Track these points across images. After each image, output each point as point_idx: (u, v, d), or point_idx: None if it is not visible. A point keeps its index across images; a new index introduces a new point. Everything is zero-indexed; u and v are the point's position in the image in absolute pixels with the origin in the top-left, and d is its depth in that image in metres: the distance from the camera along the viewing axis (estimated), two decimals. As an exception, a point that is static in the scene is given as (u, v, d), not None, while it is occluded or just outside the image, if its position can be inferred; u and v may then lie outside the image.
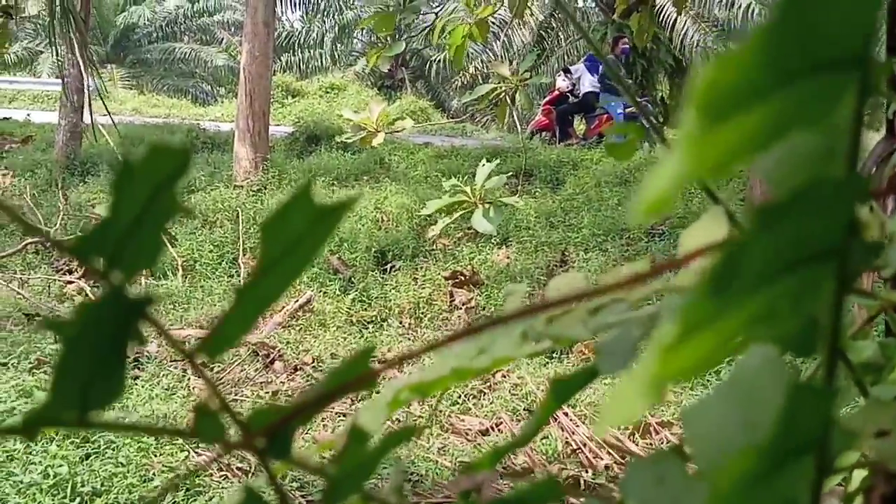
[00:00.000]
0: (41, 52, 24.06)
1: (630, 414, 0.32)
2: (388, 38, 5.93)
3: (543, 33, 19.94)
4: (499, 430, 4.25)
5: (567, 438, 4.07)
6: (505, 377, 4.82)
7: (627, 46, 13.06)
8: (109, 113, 8.50)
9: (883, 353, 0.59)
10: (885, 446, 0.53)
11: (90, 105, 9.42)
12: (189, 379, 4.61)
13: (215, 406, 0.48)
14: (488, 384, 4.71)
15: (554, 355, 5.39)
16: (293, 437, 0.51)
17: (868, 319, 0.83)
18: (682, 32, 17.63)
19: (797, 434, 0.35)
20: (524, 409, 4.47)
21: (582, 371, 0.58)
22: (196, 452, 3.75)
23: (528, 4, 7.39)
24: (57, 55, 9.97)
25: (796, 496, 0.37)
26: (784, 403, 0.34)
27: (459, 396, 4.56)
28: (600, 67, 12.77)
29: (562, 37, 20.06)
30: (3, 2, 7.96)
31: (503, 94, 7.96)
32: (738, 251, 0.30)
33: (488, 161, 5.88)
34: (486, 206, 5.07)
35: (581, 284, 0.63)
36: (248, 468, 3.58)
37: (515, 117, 11.54)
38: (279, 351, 5.06)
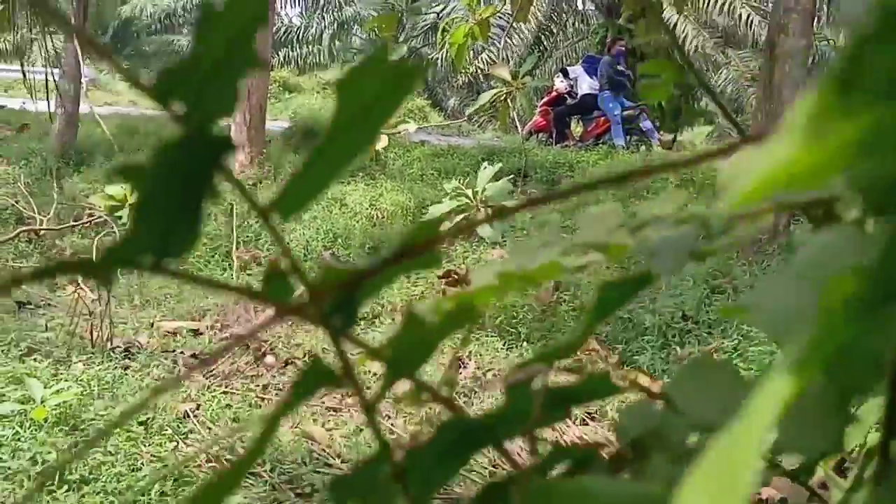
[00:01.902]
0: (37, 40, 24.01)
1: (785, 166, 0.28)
2: (389, 39, 5.93)
3: (542, 35, 19.97)
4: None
5: (558, 438, 4.06)
6: (497, 376, 4.82)
7: (623, 48, 13.07)
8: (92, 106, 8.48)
9: None
10: None
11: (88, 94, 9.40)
12: (179, 370, 4.59)
13: (286, 267, 0.47)
14: (479, 382, 4.70)
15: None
16: (358, 307, 0.50)
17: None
18: (682, 37, 17.66)
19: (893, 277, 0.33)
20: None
21: (633, 276, 0.56)
22: (185, 443, 3.74)
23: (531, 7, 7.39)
24: (53, 45, 9.95)
25: (883, 351, 0.36)
26: (881, 243, 0.32)
27: (451, 395, 4.54)
28: (598, 69, 12.78)
29: (560, 38, 20.09)
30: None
31: (504, 97, 7.98)
32: (860, 51, 0.28)
33: (487, 162, 5.87)
34: (489, 210, 5.06)
35: (618, 213, 0.62)
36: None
37: (516, 118, 11.54)
38: (270, 345, 5.05)
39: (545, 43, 20.01)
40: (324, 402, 4.22)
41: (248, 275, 6.91)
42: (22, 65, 9.27)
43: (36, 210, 7.98)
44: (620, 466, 0.54)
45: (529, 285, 0.59)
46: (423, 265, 0.50)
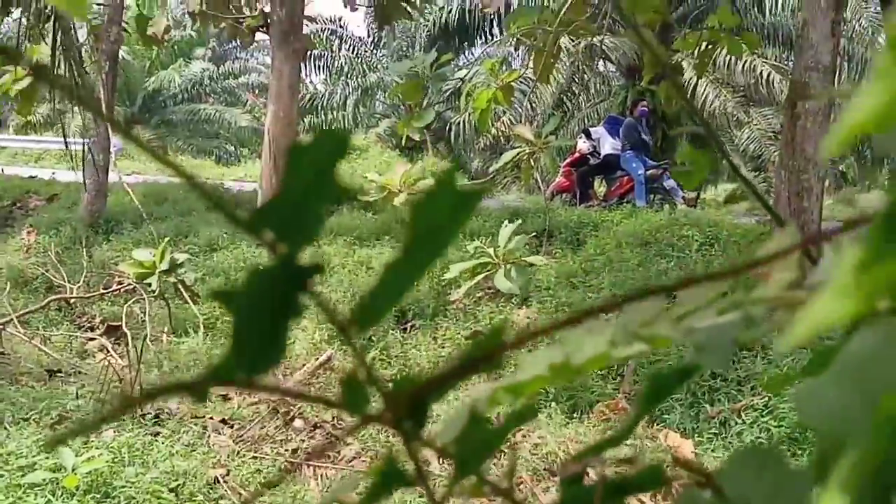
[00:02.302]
0: (65, 113, 24.44)
1: (826, 317, 0.32)
2: (412, 105, 6.01)
3: (564, 96, 20.11)
4: (519, 489, 4.22)
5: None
6: (525, 437, 4.81)
7: (646, 109, 13.14)
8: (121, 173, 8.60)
9: None
10: None
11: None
12: (209, 436, 4.61)
13: (362, 376, 0.51)
14: (508, 443, 4.68)
15: (574, 415, 5.37)
16: (429, 412, 0.53)
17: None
18: (703, 97, 17.74)
19: None
20: (544, 469, 4.44)
21: (679, 367, 0.59)
22: (215, 509, 3.75)
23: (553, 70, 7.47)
24: (84, 116, 10.12)
25: None
26: None
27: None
28: (620, 130, 12.84)
29: (582, 99, 20.22)
30: (34, 59, 8.09)
31: (527, 157, 8.03)
32: None
33: (508, 221, 5.90)
34: (509, 266, 5.08)
35: (660, 302, 0.64)
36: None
37: (539, 178, 11.58)
38: (299, 408, 5.06)
39: (567, 104, 20.14)
40: (353, 466, 4.22)
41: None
42: (64, 135, 9.44)
43: (66, 278, 8.07)
44: None
45: (578, 376, 0.62)
46: (485, 371, 0.54)
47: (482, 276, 5.14)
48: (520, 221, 5.47)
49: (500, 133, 21.16)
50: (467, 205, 0.48)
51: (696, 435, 5.19)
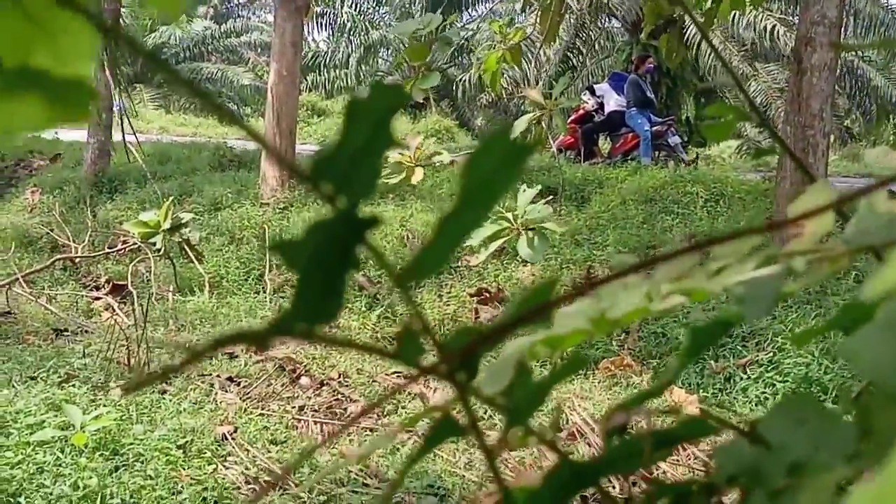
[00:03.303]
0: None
1: None
2: (418, 67, 5.96)
3: (569, 53, 19.97)
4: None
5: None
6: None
7: (653, 66, 13.06)
8: (135, 132, 8.58)
9: None
10: None
11: (122, 124, 9.50)
12: (216, 393, 4.63)
13: (418, 328, 0.52)
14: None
15: (580, 371, 5.38)
16: (479, 364, 0.54)
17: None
18: (708, 52, 17.62)
19: None
20: (549, 423, 4.46)
21: (718, 320, 0.59)
22: (224, 466, 3.77)
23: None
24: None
25: None
26: None
27: (486, 411, 4.56)
28: (625, 86, 12.76)
29: (587, 56, 20.09)
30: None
31: (539, 121, 7.98)
32: None
33: (525, 185, 5.85)
34: (530, 233, 5.05)
35: (694, 257, 0.64)
36: (275, 482, 3.59)
37: (550, 138, 11.51)
38: (305, 366, 5.08)
39: (573, 61, 20.01)
40: (360, 423, 4.24)
41: (282, 297, 6.95)
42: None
43: (70, 238, 8.09)
44: (719, 502, 0.57)
45: (617, 328, 0.62)
46: (535, 326, 0.54)
47: (502, 240, 5.11)
48: (539, 187, 5.42)
49: (503, 90, 21.07)
50: (519, 158, 0.49)
51: (701, 390, 5.21)
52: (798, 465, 0.53)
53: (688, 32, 15.65)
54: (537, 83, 18.10)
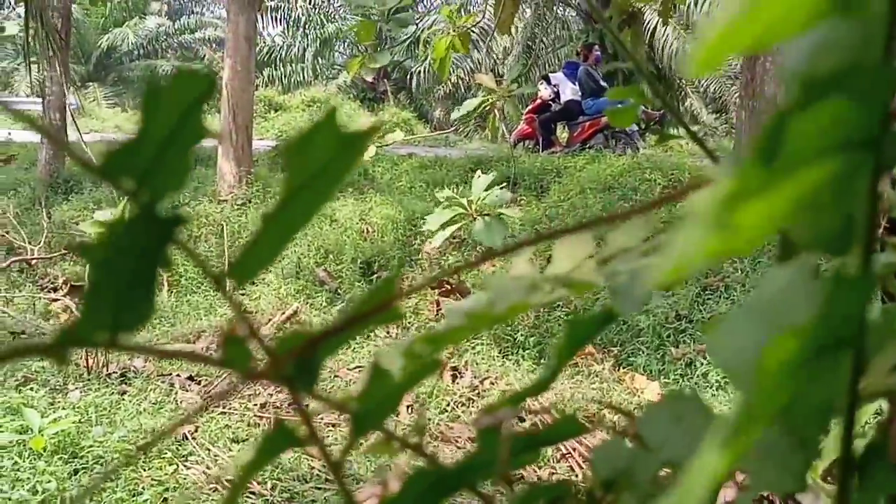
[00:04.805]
0: (18, 70, 24.05)
1: (691, 255, 0.30)
2: (370, 49, 5.93)
3: (531, 43, 20.01)
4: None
5: (558, 444, 4.07)
6: (493, 384, 4.83)
7: (599, 54, 13.11)
8: (79, 132, 8.50)
9: (886, 318, 0.59)
10: None
11: (76, 123, 9.40)
12: (177, 393, 4.59)
13: (244, 333, 0.48)
14: (476, 391, 4.71)
15: (542, 362, 5.40)
16: (319, 367, 0.51)
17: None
18: (663, 39, 17.73)
19: (837, 325, 0.35)
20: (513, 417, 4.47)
21: (598, 313, 0.58)
22: (185, 466, 3.74)
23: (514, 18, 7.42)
24: (39, 70, 9.98)
25: (833, 395, 0.37)
26: (826, 293, 0.34)
27: (448, 404, 4.56)
28: (578, 76, 12.81)
29: (544, 45, 20.13)
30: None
31: (491, 106, 7.98)
32: (781, 121, 0.30)
33: (481, 171, 5.87)
34: (486, 218, 5.05)
35: (590, 244, 0.63)
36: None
37: (503, 127, 11.53)
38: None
39: (530, 49, 20.04)
40: (322, 419, 4.22)
41: (242, 294, 6.91)
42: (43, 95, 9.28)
43: (26, 239, 7.99)
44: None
45: (499, 323, 0.60)
46: (382, 322, 0.51)
47: (456, 227, 5.10)
48: (494, 174, 5.42)
49: (460, 81, 21.07)
50: (351, 148, 0.45)
51: (663, 377, 5.24)
52: (672, 465, 0.52)
53: (645, 20, 15.75)
54: (498, 74, 18.10)
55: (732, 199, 0.30)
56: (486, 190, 5.16)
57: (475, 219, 5.03)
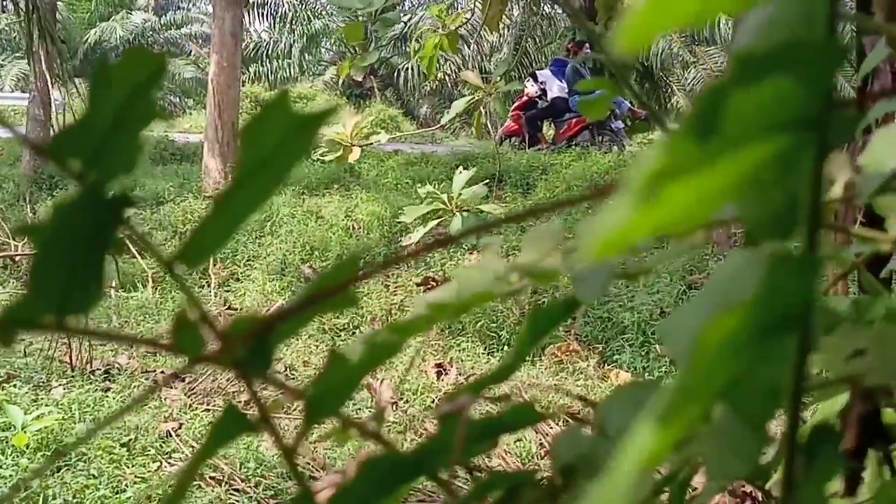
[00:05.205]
0: (2, 66, 23.94)
1: (614, 237, 0.30)
2: (358, 48, 5.92)
3: (514, 40, 19.99)
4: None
5: (541, 440, 4.08)
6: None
7: (589, 51, 13.12)
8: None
9: (856, 309, 0.59)
10: (861, 363, 0.53)
11: (64, 119, 9.36)
12: (160, 390, 4.58)
13: (194, 317, 0.48)
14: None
15: (526, 358, 5.41)
16: (273, 351, 0.50)
17: (840, 276, 0.84)
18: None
19: (779, 305, 0.35)
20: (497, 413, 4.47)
21: (560, 302, 0.57)
22: (168, 463, 3.73)
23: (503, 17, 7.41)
24: (30, 64, 9.94)
25: (779, 378, 0.37)
26: (765, 272, 0.34)
27: (433, 401, 4.57)
28: (566, 73, 12.81)
29: (532, 42, 20.12)
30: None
31: (477, 103, 7.96)
32: (716, 97, 0.30)
33: (462, 167, 5.86)
34: (464, 213, 5.05)
35: (560, 232, 0.63)
36: (220, 477, 3.57)
37: (489, 124, 11.52)
38: (251, 360, 5.04)
39: (516, 47, 20.03)
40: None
41: (226, 291, 6.89)
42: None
43: (10, 235, 7.95)
44: (554, 492, 0.55)
45: (464, 313, 0.60)
46: (338, 307, 0.51)
47: (435, 222, 5.09)
48: (475, 169, 5.42)
49: (447, 77, 21.06)
50: (305, 131, 0.45)
51: (647, 374, 5.25)
52: None
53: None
54: (485, 71, 18.09)
55: (661, 174, 0.29)
56: (466, 186, 5.16)
57: (454, 214, 5.03)
